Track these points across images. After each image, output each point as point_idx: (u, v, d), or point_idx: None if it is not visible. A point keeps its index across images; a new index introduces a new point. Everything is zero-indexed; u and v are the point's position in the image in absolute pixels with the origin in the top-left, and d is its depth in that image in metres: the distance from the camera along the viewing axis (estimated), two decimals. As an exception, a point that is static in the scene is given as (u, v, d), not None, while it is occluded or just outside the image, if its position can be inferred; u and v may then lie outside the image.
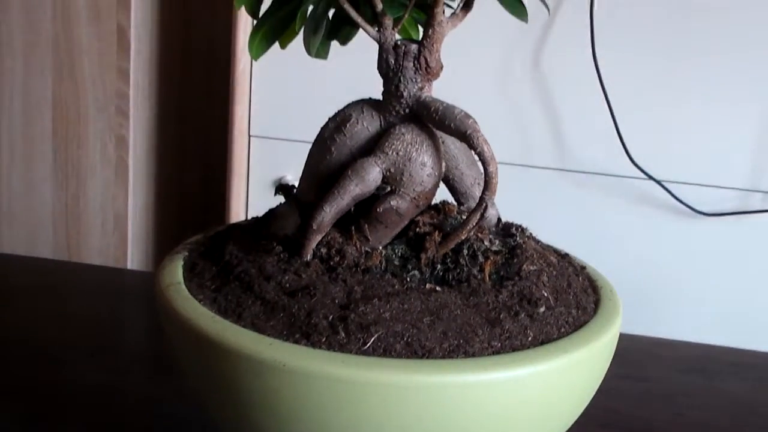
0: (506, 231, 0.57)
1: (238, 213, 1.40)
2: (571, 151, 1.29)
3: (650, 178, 1.26)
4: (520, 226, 0.58)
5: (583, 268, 0.60)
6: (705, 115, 1.25)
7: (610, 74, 1.23)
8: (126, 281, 1.05)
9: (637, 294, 1.28)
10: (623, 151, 1.24)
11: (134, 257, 1.52)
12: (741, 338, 1.26)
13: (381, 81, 0.57)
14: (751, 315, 1.29)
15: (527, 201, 1.29)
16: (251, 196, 1.40)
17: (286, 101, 1.35)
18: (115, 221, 1.49)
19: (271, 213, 0.60)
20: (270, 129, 1.37)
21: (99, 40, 1.44)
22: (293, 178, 1.37)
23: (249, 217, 1.41)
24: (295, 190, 0.61)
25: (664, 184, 1.26)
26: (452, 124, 0.53)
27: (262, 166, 1.39)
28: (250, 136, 1.38)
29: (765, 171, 1.26)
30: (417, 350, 0.47)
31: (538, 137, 1.29)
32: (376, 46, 0.55)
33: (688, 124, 1.25)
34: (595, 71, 1.22)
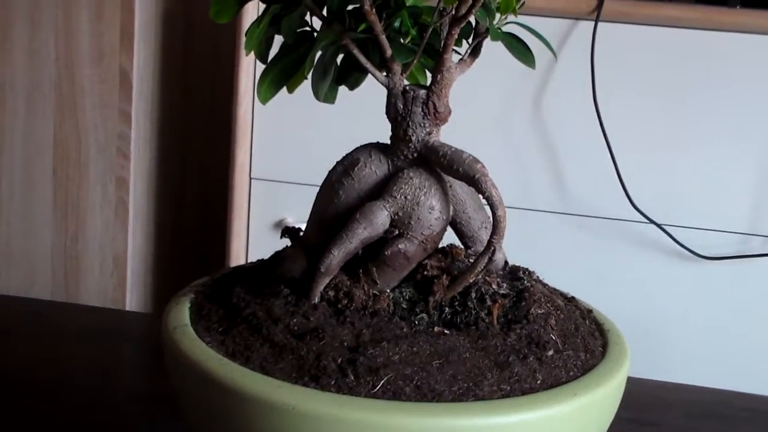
0: (513, 274, 0.57)
1: (238, 255, 1.40)
2: (572, 194, 1.29)
3: (651, 221, 1.26)
4: (528, 269, 0.58)
5: (590, 311, 0.60)
6: (705, 159, 1.26)
7: (610, 118, 1.24)
8: (124, 323, 1.04)
9: (640, 337, 1.27)
10: (624, 194, 1.25)
11: (133, 299, 1.52)
12: (746, 380, 1.26)
13: (382, 124, 0.58)
14: (756, 358, 1.28)
15: (528, 244, 1.29)
16: (252, 238, 1.40)
17: (287, 143, 1.36)
18: (114, 262, 1.49)
19: (278, 255, 0.60)
20: (271, 171, 1.38)
21: (101, 82, 1.45)
22: (294, 220, 1.37)
23: (250, 259, 1.41)
24: (301, 233, 0.61)
25: (664, 227, 1.26)
26: (460, 169, 0.53)
27: (263, 208, 1.39)
28: (251, 178, 1.39)
29: (765, 215, 1.26)
30: (426, 393, 0.47)
31: (539, 180, 1.29)
32: (379, 90, 0.56)
33: (689, 168, 1.26)
34: (596, 115, 1.23)
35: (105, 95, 1.45)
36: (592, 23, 1.24)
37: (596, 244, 1.30)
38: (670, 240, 1.26)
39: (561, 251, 1.30)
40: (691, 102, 1.25)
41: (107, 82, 1.44)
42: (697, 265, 1.27)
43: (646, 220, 1.26)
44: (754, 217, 1.26)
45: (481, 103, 1.27)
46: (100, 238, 1.49)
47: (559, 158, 1.29)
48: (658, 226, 1.26)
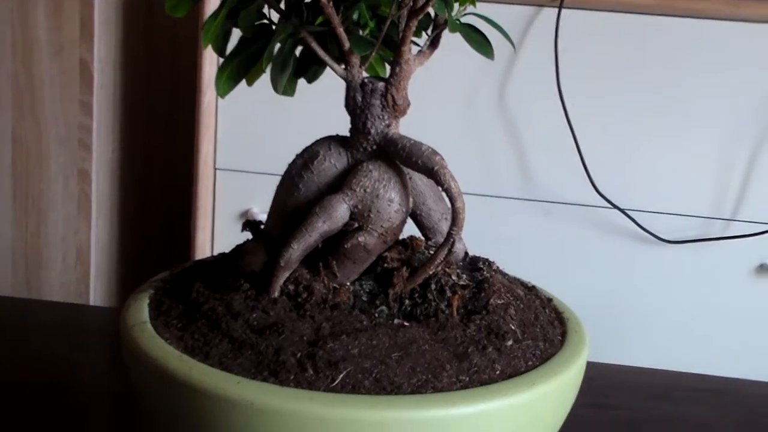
0: (473, 265, 0.57)
1: (204, 246, 1.40)
2: (536, 181, 1.30)
3: (614, 206, 1.27)
4: (487, 260, 0.58)
5: (550, 300, 0.61)
6: (668, 145, 1.27)
7: (574, 105, 1.24)
8: (88, 318, 1.03)
9: (602, 321, 1.28)
10: (588, 180, 1.26)
11: (97, 292, 1.51)
12: (705, 363, 1.28)
13: (348, 114, 0.58)
14: (714, 340, 1.30)
15: (493, 231, 1.30)
16: (217, 229, 1.40)
17: (252, 134, 1.35)
18: (78, 256, 1.48)
19: (238, 249, 0.60)
20: (236, 162, 1.37)
21: (61, 74, 1.43)
22: (260, 211, 1.37)
23: (215, 251, 1.40)
24: (262, 227, 0.61)
25: (628, 212, 1.27)
26: (419, 161, 0.53)
27: (229, 199, 1.38)
28: (215, 168, 1.38)
29: (726, 199, 1.28)
30: (386, 386, 0.47)
31: (504, 168, 1.30)
32: (344, 82, 0.56)
33: (652, 154, 1.27)
34: (560, 102, 1.24)
35: (65, 87, 1.44)
36: (556, 10, 1.25)
37: (561, 229, 1.31)
38: (633, 224, 1.27)
39: (526, 237, 1.31)
40: (654, 88, 1.26)
41: (67, 73, 1.43)
42: (659, 248, 1.29)
43: (610, 206, 1.27)
44: (715, 201, 1.28)
45: (446, 91, 1.27)
46: (63, 232, 1.48)
47: (524, 145, 1.29)
48: (622, 211, 1.27)
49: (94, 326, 0.94)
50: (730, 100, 1.25)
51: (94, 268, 1.49)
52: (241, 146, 1.37)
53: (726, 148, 1.26)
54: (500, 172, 1.30)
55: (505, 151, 1.30)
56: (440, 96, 1.27)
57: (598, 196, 1.26)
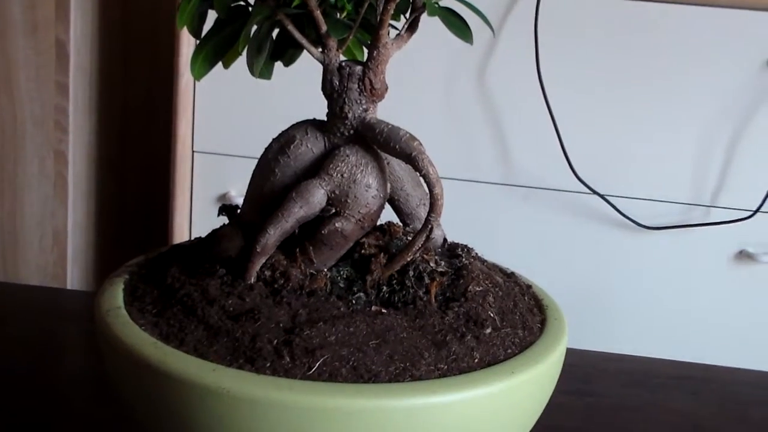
0: (452, 252, 0.57)
1: (181, 228, 1.39)
2: (515, 166, 1.29)
3: (594, 192, 1.27)
4: (466, 246, 0.58)
5: (529, 287, 0.60)
6: (647, 130, 1.27)
7: (554, 90, 1.24)
8: (64, 302, 1.02)
9: (581, 306, 1.29)
10: (567, 166, 1.25)
11: (74, 274, 1.49)
12: (684, 349, 1.28)
13: (325, 98, 0.57)
14: (692, 326, 1.31)
15: (473, 215, 1.30)
16: (195, 212, 1.39)
17: (230, 116, 1.34)
18: (54, 237, 1.47)
19: (215, 234, 0.59)
20: (214, 144, 1.36)
21: (36, 54, 1.41)
22: (237, 194, 1.36)
23: (193, 234, 1.39)
24: (238, 211, 0.60)
25: (607, 198, 1.27)
26: (397, 146, 0.52)
27: (206, 182, 1.37)
28: (193, 151, 1.37)
29: (706, 185, 1.28)
30: (363, 374, 0.46)
31: (483, 152, 1.30)
32: (321, 66, 0.55)
33: (631, 139, 1.27)
34: (540, 88, 1.24)
35: (41, 67, 1.42)
36: (535, -6, 1.24)
37: (541, 215, 1.30)
38: (613, 210, 1.28)
39: (506, 222, 1.31)
40: (634, 74, 1.26)
41: (43, 53, 1.41)
42: (639, 234, 1.29)
43: (590, 191, 1.27)
44: (695, 187, 1.28)
45: (425, 75, 1.27)
46: (39, 214, 1.46)
47: (503, 130, 1.29)
48: (601, 196, 1.27)
49: (71, 310, 0.93)
50: (711, 86, 1.25)
51: (71, 251, 1.48)
52: (219, 129, 1.36)
53: (706, 135, 1.26)
54: (479, 157, 1.30)
55: (484, 135, 1.29)
56: (419, 80, 1.27)
57: (578, 181, 1.26)
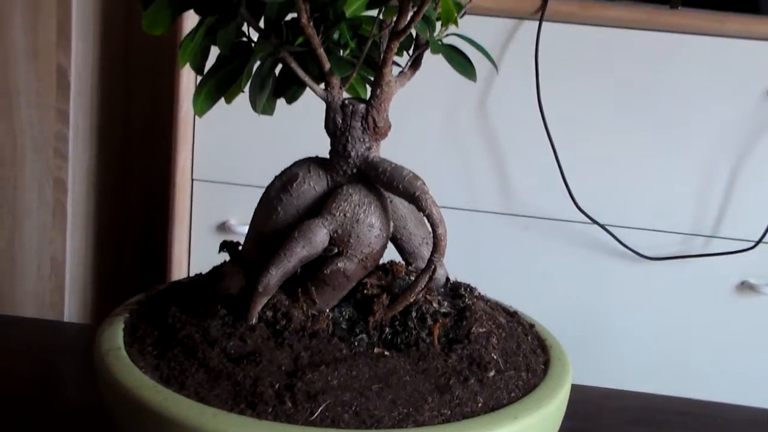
0: (455, 291, 0.56)
1: (180, 258, 1.38)
2: (516, 195, 1.29)
3: (594, 222, 1.26)
4: (469, 285, 0.57)
5: (532, 326, 0.60)
6: (648, 160, 1.26)
7: (554, 119, 1.24)
8: (61, 336, 1.01)
9: (582, 337, 1.28)
10: (568, 196, 1.25)
11: (71, 303, 1.48)
12: (685, 381, 1.27)
13: (328, 136, 0.56)
14: (693, 358, 1.30)
15: (473, 245, 1.29)
16: (194, 240, 1.38)
17: (229, 144, 1.34)
18: (52, 266, 1.46)
19: (216, 271, 0.59)
20: (213, 172, 1.36)
21: (37, 81, 1.41)
22: (237, 222, 1.35)
23: (192, 263, 1.38)
24: (240, 248, 0.60)
25: (608, 228, 1.27)
26: (400, 186, 0.52)
27: (206, 210, 1.37)
28: (193, 179, 1.36)
29: (707, 215, 1.28)
30: (366, 420, 0.46)
31: (484, 182, 1.29)
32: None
33: (632, 169, 1.27)
34: (540, 116, 1.23)
35: (41, 94, 1.41)
36: (537, 23, 1.24)
37: (541, 244, 1.30)
38: (614, 240, 1.27)
39: (507, 252, 1.30)
40: (635, 102, 1.26)
41: (43, 80, 1.40)
42: (640, 265, 1.28)
43: (590, 221, 1.26)
44: (696, 217, 1.28)
45: (426, 103, 1.26)
46: (38, 242, 1.45)
47: (504, 159, 1.29)
48: (601, 226, 1.27)
49: (68, 344, 0.92)
50: (713, 116, 1.25)
51: (69, 279, 1.47)
52: (219, 157, 1.35)
53: (707, 164, 1.26)
54: (480, 186, 1.29)
55: (485, 164, 1.29)
56: (420, 107, 1.26)
57: (578, 211, 1.26)
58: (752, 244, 1.24)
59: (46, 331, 0.99)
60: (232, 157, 1.34)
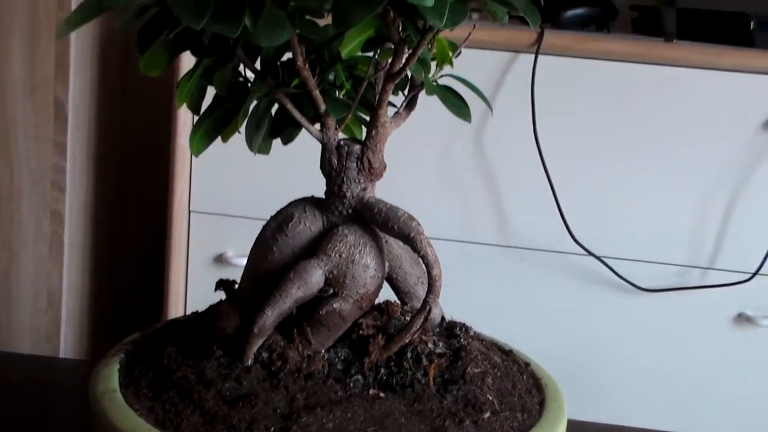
0: (450, 331, 0.56)
1: (177, 289, 1.38)
2: (513, 227, 1.29)
3: (590, 254, 1.27)
4: (464, 325, 0.57)
5: (528, 365, 0.60)
6: (644, 192, 1.27)
7: (550, 151, 1.24)
8: (57, 372, 1.00)
9: (578, 369, 1.28)
10: (564, 228, 1.25)
11: (68, 335, 1.48)
12: (682, 415, 1.27)
13: (324, 176, 0.57)
14: (690, 390, 1.29)
15: (471, 276, 1.29)
16: (191, 272, 1.38)
17: (226, 176, 1.34)
18: (49, 298, 1.46)
19: (212, 311, 0.59)
20: (210, 204, 1.36)
21: (35, 113, 1.42)
22: (234, 254, 1.35)
23: (189, 295, 1.38)
24: (236, 286, 0.60)
25: (604, 260, 1.27)
26: (395, 227, 0.52)
27: (203, 242, 1.37)
28: (190, 211, 1.36)
29: (704, 247, 1.28)
30: (361, 463, 0.46)
31: (481, 213, 1.29)
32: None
33: (628, 201, 1.27)
34: (536, 148, 1.24)
35: (39, 126, 1.42)
36: (533, 56, 1.25)
37: (538, 276, 1.30)
38: (611, 272, 1.27)
39: (503, 283, 1.30)
40: (630, 135, 1.26)
41: (41, 113, 1.41)
42: (636, 296, 1.28)
43: (586, 253, 1.27)
44: (693, 249, 1.28)
45: (423, 136, 1.27)
46: (34, 274, 1.45)
47: (501, 191, 1.29)
48: (598, 258, 1.27)
49: (64, 382, 0.92)
50: (708, 148, 1.26)
51: (65, 311, 1.47)
52: (216, 189, 1.35)
53: (703, 196, 1.27)
54: (477, 218, 1.30)
55: (482, 196, 1.29)
56: (417, 140, 1.27)
57: (575, 243, 1.26)
58: (749, 276, 1.25)
59: (42, 368, 0.99)
60: (229, 189, 1.35)
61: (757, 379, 1.29)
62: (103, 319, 1.54)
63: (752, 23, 1.31)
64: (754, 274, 1.24)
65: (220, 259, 1.37)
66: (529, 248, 1.29)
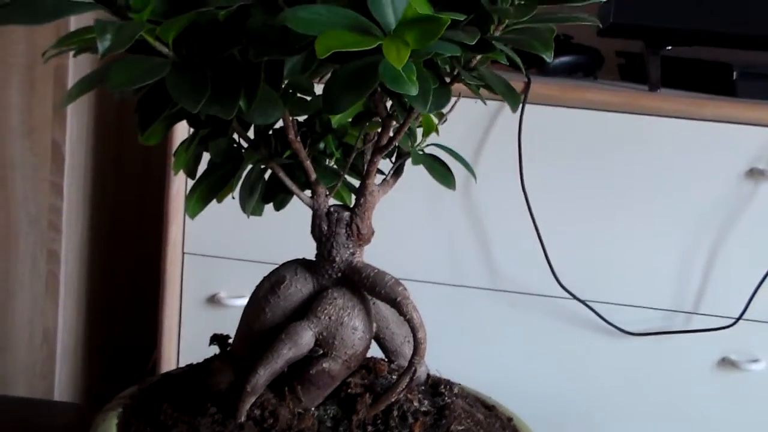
0: (435, 388, 0.59)
1: (171, 329, 1.39)
2: (501, 271, 1.32)
3: (575, 298, 1.29)
4: (449, 382, 0.60)
5: (510, 419, 0.62)
6: (629, 238, 1.29)
7: (537, 198, 1.27)
8: (52, 417, 1.02)
9: (564, 412, 1.30)
10: (550, 272, 1.28)
11: (62, 374, 1.50)
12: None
13: (314, 241, 0.59)
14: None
15: (459, 320, 1.31)
16: (185, 313, 1.40)
17: (220, 218, 1.36)
18: (44, 336, 1.47)
19: (206, 366, 0.61)
20: (204, 246, 1.38)
21: (33, 155, 1.44)
22: (227, 295, 1.37)
23: (182, 335, 1.39)
24: (230, 342, 0.62)
25: (589, 304, 1.29)
26: (383, 291, 0.55)
27: (196, 283, 1.39)
28: (184, 252, 1.38)
29: (688, 292, 1.30)
30: None
31: (470, 259, 1.32)
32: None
33: (614, 247, 1.30)
34: (523, 195, 1.26)
35: (37, 168, 1.44)
36: (519, 105, 1.28)
37: (525, 320, 1.32)
38: (596, 316, 1.29)
39: (492, 327, 1.32)
40: (615, 183, 1.29)
41: (39, 155, 1.44)
42: (621, 340, 1.30)
43: (571, 297, 1.29)
44: (677, 294, 1.30)
45: (412, 183, 1.29)
46: (29, 313, 1.47)
47: (489, 237, 1.32)
48: (582, 302, 1.29)
49: (59, 427, 0.93)
50: (693, 196, 1.29)
51: (61, 349, 1.49)
52: (210, 231, 1.38)
53: (688, 242, 1.29)
54: (466, 263, 1.32)
55: (470, 242, 1.32)
56: (407, 188, 1.29)
57: (561, 288, 1.28)
58: (732, 321, 1.27)
59: (37, 412, 1.00)
60: (222, 232, 1.37)
61: (740, 423, 1.31)
62: (97, 356, 1.55)
63: (735, 73, 1.35)
64: (738, 319, 1.27)
65: (213, 300, 1.39)
66: (518, 292, 1.32)
